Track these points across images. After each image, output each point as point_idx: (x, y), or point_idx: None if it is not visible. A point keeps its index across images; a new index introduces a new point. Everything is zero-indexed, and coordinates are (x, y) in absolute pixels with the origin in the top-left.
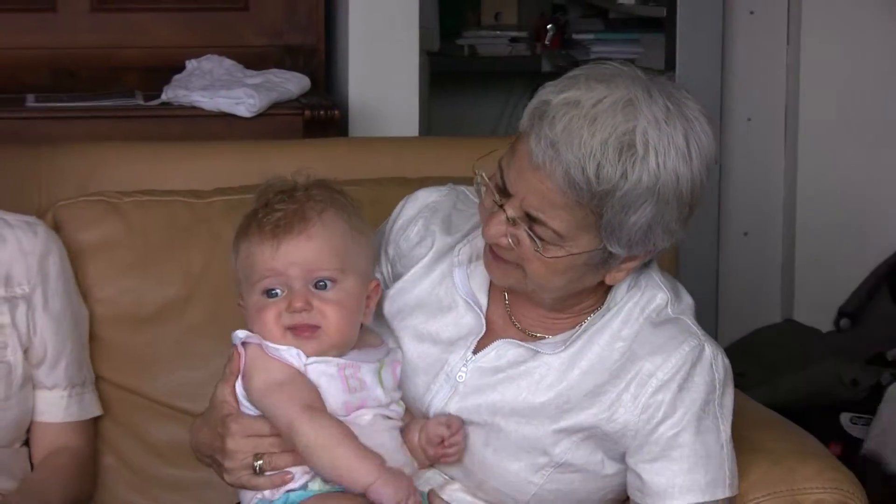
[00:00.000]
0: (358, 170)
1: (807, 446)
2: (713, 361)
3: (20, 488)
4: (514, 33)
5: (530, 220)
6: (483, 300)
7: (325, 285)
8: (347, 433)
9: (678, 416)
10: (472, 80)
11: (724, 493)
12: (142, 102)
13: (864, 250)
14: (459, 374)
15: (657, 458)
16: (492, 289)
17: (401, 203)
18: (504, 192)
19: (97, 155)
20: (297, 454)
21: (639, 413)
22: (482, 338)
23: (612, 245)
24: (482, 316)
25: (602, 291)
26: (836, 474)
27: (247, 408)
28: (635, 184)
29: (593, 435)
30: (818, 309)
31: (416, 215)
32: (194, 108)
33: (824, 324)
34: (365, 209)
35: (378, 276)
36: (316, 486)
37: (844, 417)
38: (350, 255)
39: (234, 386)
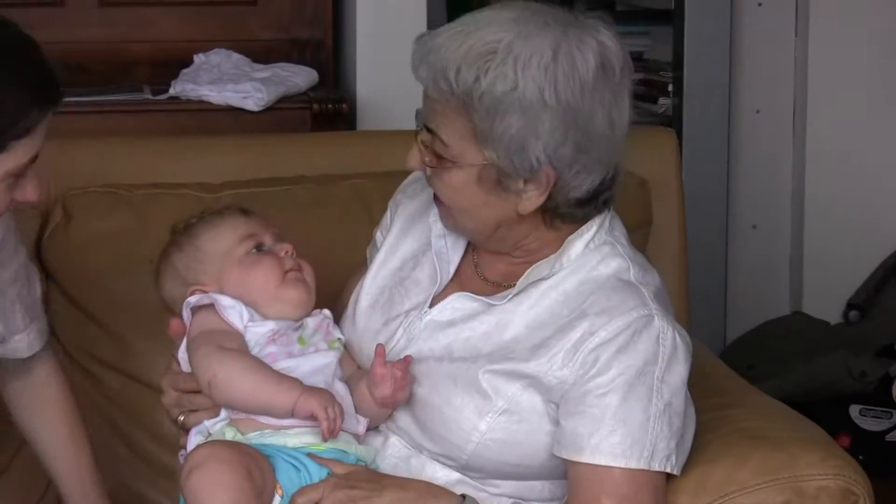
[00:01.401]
0: (367, 163)
1: (809, 434)
2: (661, 334)
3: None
4: None
5: (430, 136)
6: (456, 257)
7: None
8: (264, 364)
9: (609, 376)
10: None
11: (637, 465)
12: (150, 97)
13: (872, 242)
14: (415, 326)
15: (579, 412)
16: (469, 246)
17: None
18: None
19: (105, 149)
20: (213, 410)
21: (576, 369)
22: (443, 293)
23: (489, 153)
24: (439, 272)
25: (553, 241)
26: (839, 461)
27: (185, 365)
28: (489, 87)
29: (534, 385)
30: (827, 301)
31: (421, 177)
32: (202, 102)
33: (833, 316)
34: (374, 202)
35: (376, 237)
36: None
37: (854, 409)
38: None
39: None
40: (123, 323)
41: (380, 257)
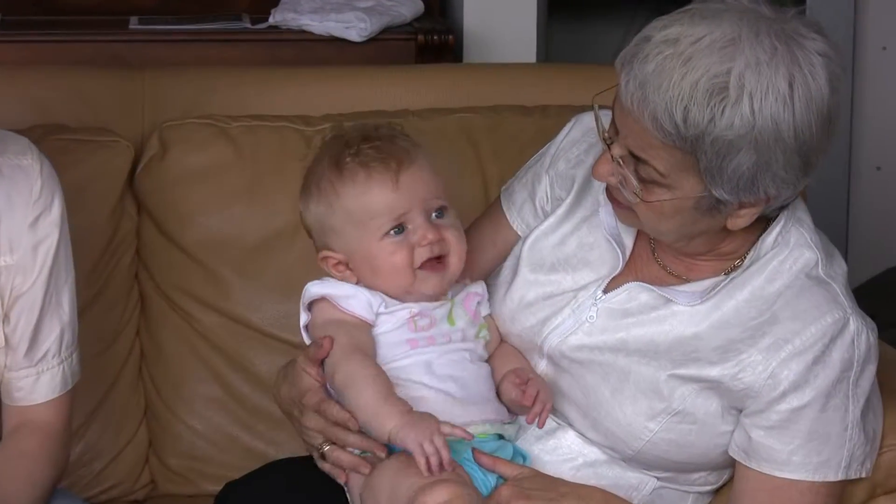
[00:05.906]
0: (473, 97)
1: None
2: (855, 338)
3: None
4: None
5: (635, 159)
6: (629, 239)
7: (442, 213)
8: (380, 377)
9: (806, 390)
10: (593, 6)
11: (835, 477)
12: (249, 26)
13: None
14: (589, 312)
15: (774, 426)
16: None
17: (569, 124)
18: (616, 130)
19: (202, 79)
20: (357, 458)
21: (766, 377)
22: (617, 277)
23: (716, 190)
24: (620, 256)
25: (745, 237)
26: None
27: (329, 388)
28: (725, 129)
29: (714, 388)
30: None
31: (581, 138)
32: (303, 31)
33: None
34: (481, 137)
35: (536, 205)
36: None
37: None
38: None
39: (318, 364)
40: (219, 260)
41: (543, 227)
